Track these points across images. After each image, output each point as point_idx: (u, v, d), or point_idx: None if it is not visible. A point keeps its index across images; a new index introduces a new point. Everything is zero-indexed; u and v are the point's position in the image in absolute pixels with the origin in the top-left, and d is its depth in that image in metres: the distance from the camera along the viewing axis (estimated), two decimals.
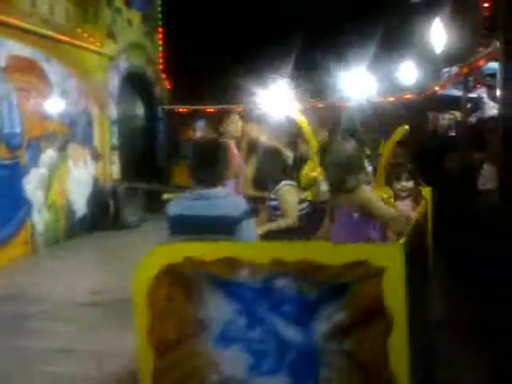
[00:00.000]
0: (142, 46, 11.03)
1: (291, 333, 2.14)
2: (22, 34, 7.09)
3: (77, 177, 8.59)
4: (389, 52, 12.11)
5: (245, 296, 2.18)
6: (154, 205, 10.13)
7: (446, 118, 13.87)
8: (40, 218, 7.55)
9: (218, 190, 3.05)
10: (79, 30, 8.55)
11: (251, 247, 2.48)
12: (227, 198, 3.04)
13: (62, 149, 8.17)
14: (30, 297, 5.51)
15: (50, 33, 7.68)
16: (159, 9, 11.84)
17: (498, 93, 6.21)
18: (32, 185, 7.39)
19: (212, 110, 12.62)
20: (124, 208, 9.39)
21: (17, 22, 6.94)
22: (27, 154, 7.32)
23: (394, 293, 2.00)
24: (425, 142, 12.16)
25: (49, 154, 7.83)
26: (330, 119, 12.68)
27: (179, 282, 2.24)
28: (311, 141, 5.07)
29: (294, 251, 2.13)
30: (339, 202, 3.42)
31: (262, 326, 2.17)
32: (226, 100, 12.41)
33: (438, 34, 9.33)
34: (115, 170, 9.86)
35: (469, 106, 8.85)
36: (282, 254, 2.12)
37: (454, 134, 11.54)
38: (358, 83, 12.02)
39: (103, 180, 9.43)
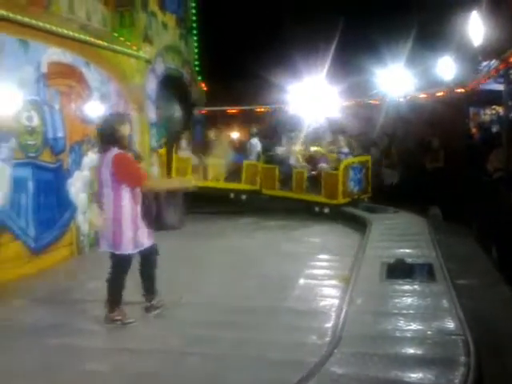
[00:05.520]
0: (177, 48, 11.17)
1: None
2: (62, 40, 7.27)
3: None
4: (426, 47, 11.93)
5: None
6: (193, 206, 10.28)
7: (488, 114, 13.57)
8: (84, 219, 7.73)
9: None
10: (116, 35, 8.72)
11: None
12: None
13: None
14: (75, 297, 5.63)
15: (88, 38, 7.86)
16: (193, 11, 11.97)
17: None
18: (75, 187, 7.56)
19: (246, 110, 12.70)
20: (165, 209, 9.50)
21: (56, 29, 7.13)
22: (70, 157, 7.50)
23: None
24: (468, 139, 11.91)
25: (90, 157, 7.99)
26: (367, 117, 12.61)
27: None
28: None
29: None
30: None
31: None
32: (261, 100, 12.46)
33: (476, 27, 9.10)
34: (155, 171, 10.00)
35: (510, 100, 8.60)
36: None
37: (496, 129, 11.28)
38: (395, 80, 11.88)
39: None
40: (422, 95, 11.93)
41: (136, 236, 4.64)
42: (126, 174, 4.55)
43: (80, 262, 7.26)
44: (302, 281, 5.98)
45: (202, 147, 11.64)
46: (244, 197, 10.75)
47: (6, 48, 6.19)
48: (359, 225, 8.94)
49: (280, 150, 11.39)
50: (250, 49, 12.10)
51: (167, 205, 9.52)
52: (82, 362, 4.00)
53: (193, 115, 12.21)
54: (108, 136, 4.56)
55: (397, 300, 4.70)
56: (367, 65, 11.74)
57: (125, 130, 4.62)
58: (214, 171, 10.94)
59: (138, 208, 4.70)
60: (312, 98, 11.66)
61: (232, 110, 12.79)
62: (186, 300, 5.34)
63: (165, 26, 10.55)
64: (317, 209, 10.18)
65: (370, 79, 12.26)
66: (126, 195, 4.56)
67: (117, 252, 4.60)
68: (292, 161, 10.94)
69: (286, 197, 10.61)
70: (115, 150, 4.52)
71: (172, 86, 11.07)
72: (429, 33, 11.86)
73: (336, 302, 5.10)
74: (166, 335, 4.47)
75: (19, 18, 6.35)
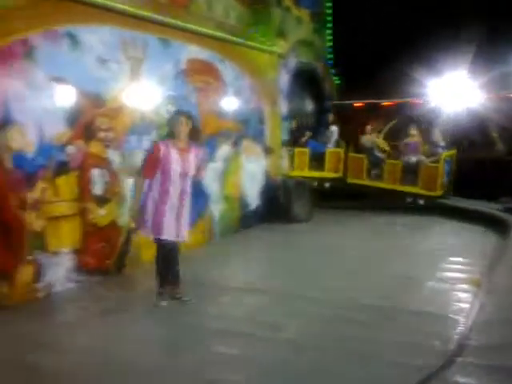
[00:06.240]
0: (310, 42, 11.20)
1: None
2: (200, 38, 7.65)
3: (249, 171, 9.02)
4: None
5: None
6: (321, 199, 10.30)
7: None
8: (216, 209, 8.10)
9: None
10: (251, 31, 8.96)
11: None
12: None
13: (236, 145, 8.65)
14: (206, 282, 5.91)
15: (224, 35, 8.18)
16: (328, 4, 11.90)
17: None
18: (209, 178, 7.94)
19: (382, 104, 12.39)
20: (293, 202, 9.65)
21: (195, 28, 7.51)
22: (205, 149, 7.88)
23: None
24: None
25: (224, 150, 8.34)
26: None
27: None
28: None
29: None
30: None
31: None
32: (396, 94, 12.08)
33: None
34: (285, 164, 10.17)
35: None
36: None
37: None
38: None
39: (274, 174, 9.78)
40: None
41: (155, 224, 4.88)
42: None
43: (211, 248, 7.62)
44: (430, 283, 5.77)
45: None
46: (327, 185, 10.57)
47: (149, 47, 6.65)
48: (493, 224, 8.42)
49: (365, 139, 11.25)
50: (386, 44, 11.74)
51: (296, 198, 9.65)
52: (210, 343, 4.20)
53: (325, 109, 12.17)
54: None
55: None
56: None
57: (175, 127, 4.94)
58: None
59: (164, 199, 4.86)
60: (452, 92, 11.15)
61: (358, 104, 12.52)
62: (311, 293, 5.38)
63: (299, 20, 10.63)
64: (410, 200, 10.25)
65: None
66: (149, 184, 4.90)
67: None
68: (376, 151, 10.96)
69: (375, 187, 10.50)
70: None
71: (304, 80, 11.13)
72: None
73: (465, 307, 4.84)
74: (287, 325, 4.55)
75: (161, 18, 6.78)
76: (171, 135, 4.98)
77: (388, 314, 4.79)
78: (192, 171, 4.98)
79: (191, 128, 4.99)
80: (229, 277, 6.11)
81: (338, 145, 11.02)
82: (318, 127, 11.74)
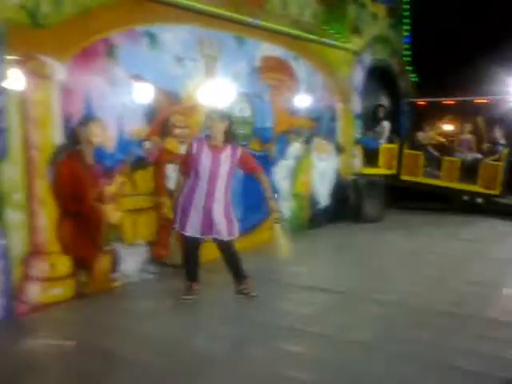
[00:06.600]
0: (386, 38, 10.96)
1: None
2: (274, 35, 7.67)
3: (320, 169, 8.97)
4: None
5: None
6: (393, 200, 10.08)
7: None
8: (286, 206, 8.10)
9: None
10: (325, 28, 8.89)
11: None
12: None
13: (307, 142, 8.62)
14: (275, 279, 5.97)
15: (299, 33, 8.16)
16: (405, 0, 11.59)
17: None
18: (279, 175, 7.96)
19: (456, 102, 11.94)
20: (364, 201, 9.50)
21: (270, 25, 7.54)
22: (276, 147, 7.91)
23: None
24: None
25: (295, 147, 8.33)
26: None
27: None
28: None
29: None
30: None
31: None
32: (473, 91, 11.60)
33: None
34: (357, 163, 10.02)
35: None
36: None
37: None
38: None
39: (345, 173, 9.66)
40: None
41: (181, 219, 4.95)
42: None
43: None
44: (509, 290, 5.51)
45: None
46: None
47: (224, 45, 6.75)
48: None
49: (420, 136, 10.97)
50: (468, 41, 11.27)
51: (367, 197, 9.50)
52: (277, 340, 4.22)
53: (400, 107, 11.88)
54: None
55: None
56: None
57: (211, 126, 4.98)
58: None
59: (191, 196, 4.91)
60: None
61: (447, 102, 12.11)
62: (384, 296, 5.28)
63: (374, 16, 10.42)
64: (466, 198, 10.24)
65: None
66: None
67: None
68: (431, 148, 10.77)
69: (429, 184, 10.22)
70: None
71: (379, 76, 10.91)
72: None
73: None
74: (357, 326, 4.51)
75: (236, 16, 6.86)
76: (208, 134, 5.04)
77: (465, 321, 4.63)
78: (225, 171, 4.91)
79: (227, 128, 4.97)
80: (298, 275, 6.09)
81: (390, 141, 10.76)
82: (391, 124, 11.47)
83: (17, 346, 4.15)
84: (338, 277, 6.13)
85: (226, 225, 5.00)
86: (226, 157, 4.93)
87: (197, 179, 4.91)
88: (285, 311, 4.91)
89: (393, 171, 10.32)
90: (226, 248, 5.15)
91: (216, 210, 4.93)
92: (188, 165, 4.95)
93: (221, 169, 4.89)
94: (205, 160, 4.87)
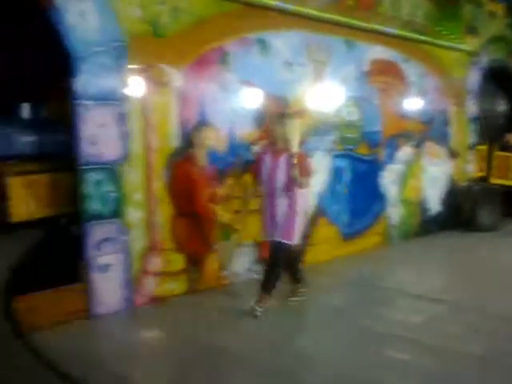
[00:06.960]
0: (504, 38, 10.37)
1: None
2: (384, 38, 7.56)
3: (431, 174, 8.67)
4: None
5: None
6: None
7: None
8: (394, 212, 7.93)
9: None
10: (438, 29, 8.60)
11: None
12: None
13: (418, 146, 8.38)
14: (379, 284, 5.88)
15: (410, 35, 7.98)
16: None
17: None
18: (388, 180, 7.81)
19: None
20: (479, 209, 9.03)
21: (380, 28, 7.45)
22: (385, 150, 7.77)
23: None
24: None
25: (405, 152, 8.13)
26: None
27: None
28: None
29: None
30: None
31: None
32: None
33: None
34: (471, 169, 9.56)
35: None
36: None
37: None
38: None
39: (458, 179, 9.26)
40: None
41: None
42: None
43: (388, 251, 7.48)
44: None
45: None
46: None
47: (333, 49, 6.78)
48: None
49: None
50: None
51: (483, 205, 9.03)
52: (382, 347, 4.17)
53: None
54: None
55: None
56: None
57: (276, 129, 4.89)
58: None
59: (263, 201, 5.00)
60: None
61: None
62: (494, 309, 5.02)
63: (492, 15, 9.91)
64: None
65: None
66: None
67: None
68: None
69: None
70: None
71: (497, 78, 10.34)
72: None
73: None
74: (466, 337, 4.36)
75: (345, 20, 6.86)
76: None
77: None
78: (283, 175, 4.78)
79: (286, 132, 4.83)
80: (405, 282, 5.94)
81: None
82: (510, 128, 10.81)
83: (133, 334, 4.46)
84: (447, 286, 5.88)
85: (285, 228, 4.85)
86: (282, 162, 4.82)
87: (263, 185, 4.97)
88: (391, 318, 4.81)
89: (482, 174, 9.73)
90: (285, 251, 4.95)
91: (281, 213, 4.85)
92: (257, 171, 5.01)
93: (279, 174, 4.81)
94: (266, 166, 4.90)
